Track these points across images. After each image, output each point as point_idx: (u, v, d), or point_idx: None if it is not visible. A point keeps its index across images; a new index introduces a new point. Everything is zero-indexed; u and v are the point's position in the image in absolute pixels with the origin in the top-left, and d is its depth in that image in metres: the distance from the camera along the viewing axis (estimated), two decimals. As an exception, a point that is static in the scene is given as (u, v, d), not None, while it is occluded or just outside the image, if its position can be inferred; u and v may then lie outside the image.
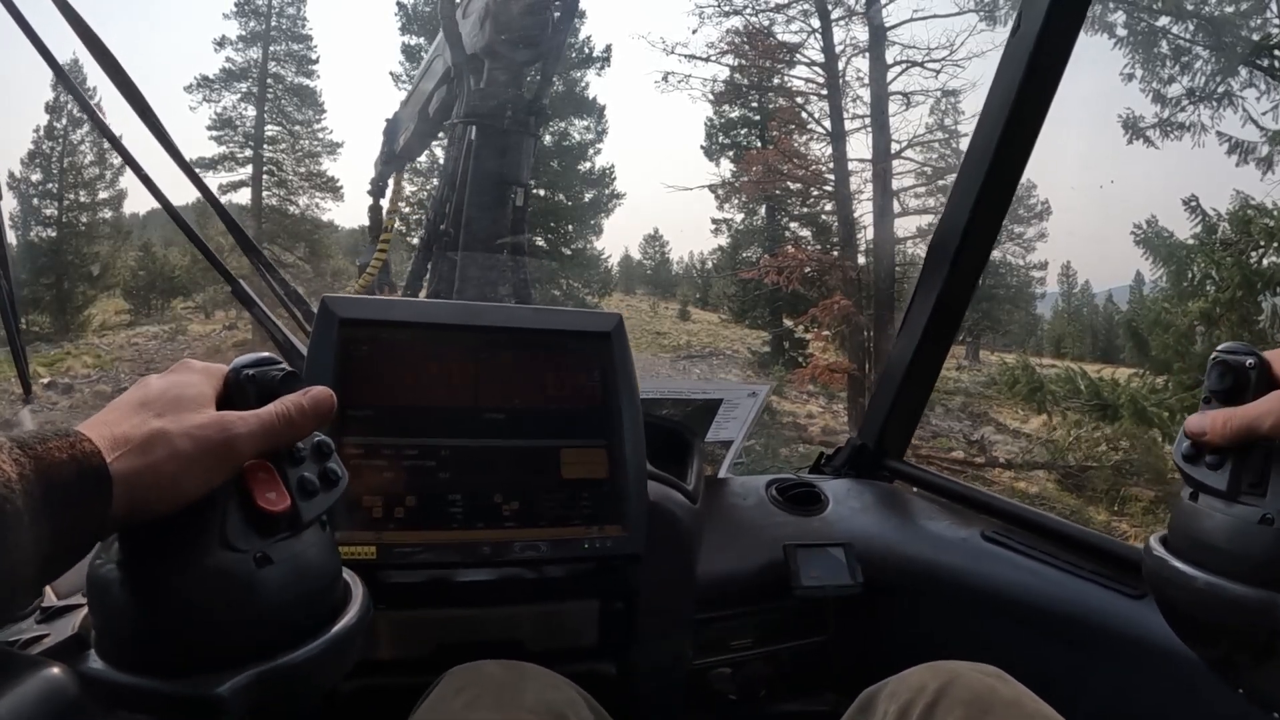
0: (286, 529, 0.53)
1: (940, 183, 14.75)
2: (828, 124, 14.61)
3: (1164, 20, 9.36)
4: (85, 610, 0.57)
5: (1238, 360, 0.62)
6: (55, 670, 0.45)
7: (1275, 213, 6.51)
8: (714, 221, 19.95)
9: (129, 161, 1.14)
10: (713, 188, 18.09)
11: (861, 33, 14.34)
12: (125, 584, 0.50)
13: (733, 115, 18.20)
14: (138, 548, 0.50)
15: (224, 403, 0.55)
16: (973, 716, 0.74)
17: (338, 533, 0.81)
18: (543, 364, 0.97)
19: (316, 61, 21.02)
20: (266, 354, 0.59)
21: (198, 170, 1.22)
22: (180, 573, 0.50)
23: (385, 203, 8.22)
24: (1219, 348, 0.64)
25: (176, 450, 0.49)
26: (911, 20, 14.24)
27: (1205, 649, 0.66)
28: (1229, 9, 8.78)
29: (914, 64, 14.07)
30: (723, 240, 20.88)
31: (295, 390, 0.57)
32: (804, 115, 15.08)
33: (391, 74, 20.89)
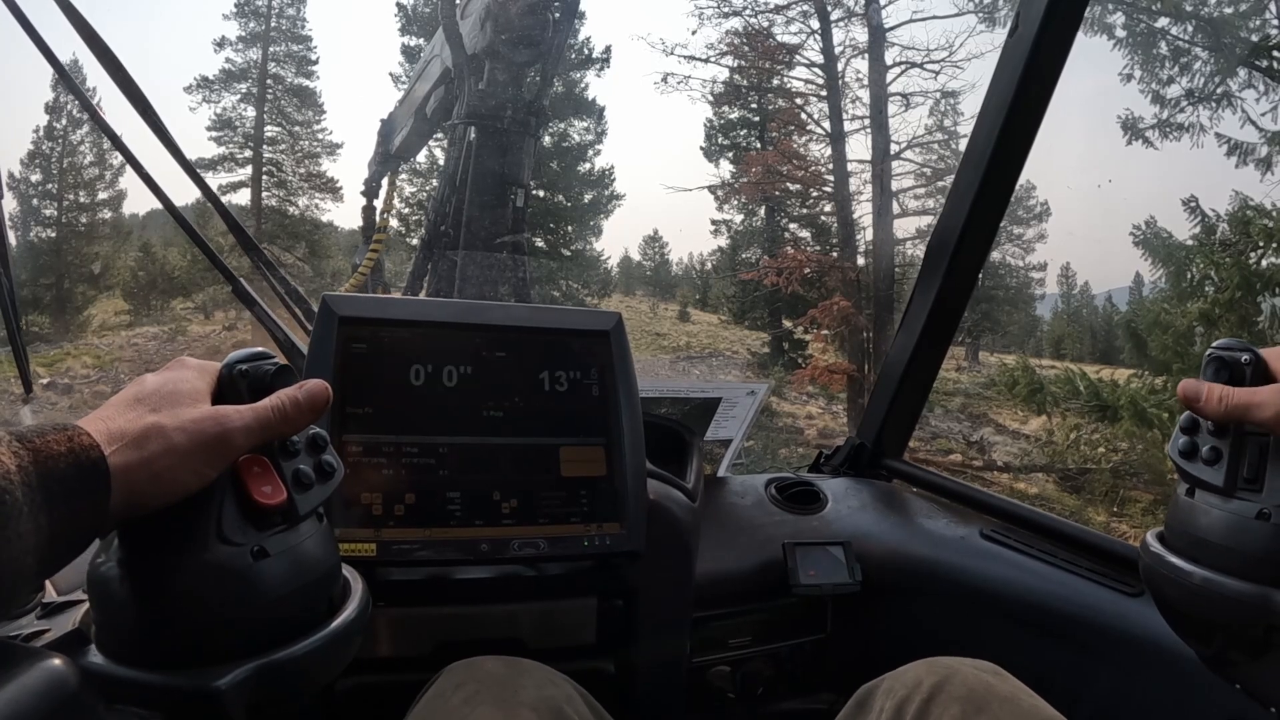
0: (282, 522, 0.54)
1: (939, 184, 14.76)
2: (827, 125, 14.64)
3: (1163, 21, 9.37)
4: (86, 605, 0.57)
5: (1233, 356, 0.63)
6: (56, 662, 0.45)
7: (1274, 213, 6.51)
8: (713, 223, 20.03)
9: (130, 160, 1.14)
10: (712, 189, 18.13)
11: (861, 34, 14.38)
12: (124, 579, 0.51)
13: (732, 116, 18.22)
14: (136, 543, 0.51)
15: (218, 398, 0.56)
16: (969, 713, 0.74)
17: (337, 529, 0.82)
18: (542, 362, 0.97)
19: (316, 62, 21.06)
20: (260, 349, 0.59)
21: (198, 171, 1.22)
22: (178, 567, 0.50)
23: (379, 202, 8.23)
24: (1215, 344, 0.65)
25: (172, 444, 0.49)
26: (910, 22, 14.25)
27: (1202, 645, 0.66)
28: (1228, 10, 8.79)
29: (913, 65, 14.10)
30: (722, 241, 20.96)
31: (289, 384, 0.57)
32: (803, 116, 15.09)
33: (391, 75, 20.98)
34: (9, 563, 0.41)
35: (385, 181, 8.40)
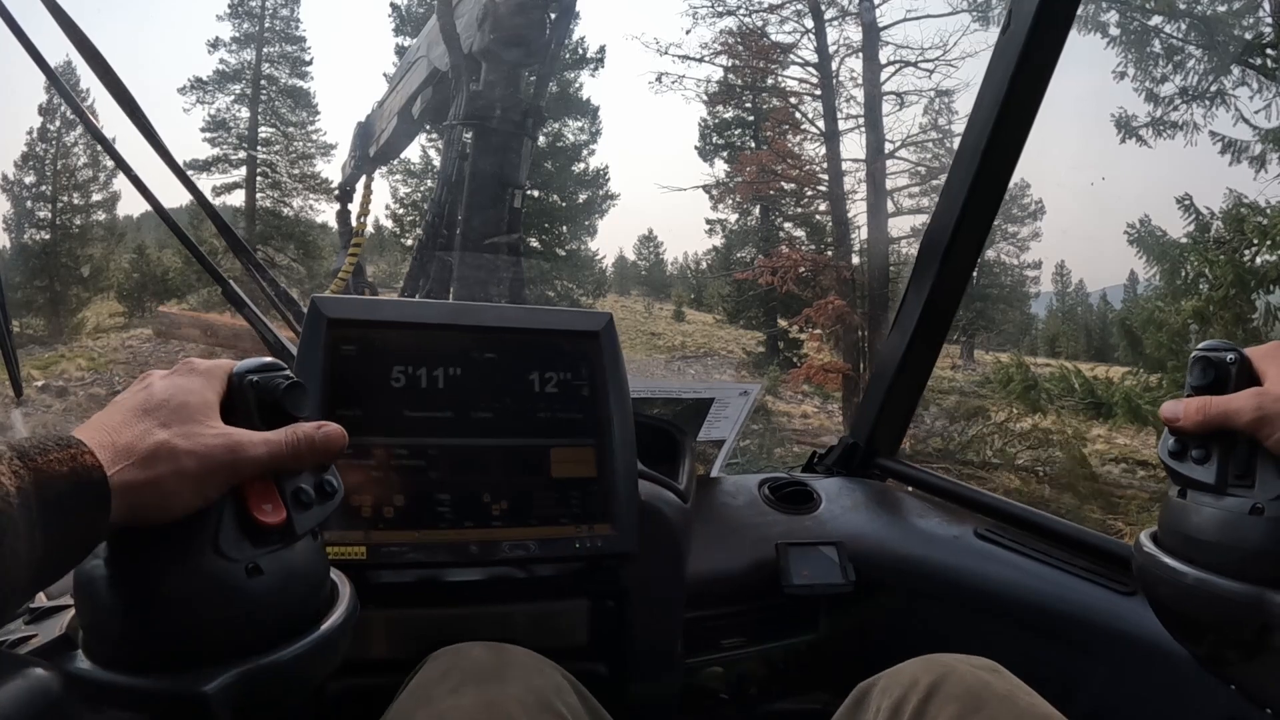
0: (279, 541, 0.54)
1: (934, 182, 14.76)
2: (821, 124, 14.62)
3: (1156, 19, 9.37)
4: (73, 611, 0.57)
5: (1219, 356, 0.63)
6: (39, 670, 0.45)
7: (1269, 211, 6.52)
8: (708, 222, 20.02)
9: (120, 163, 1.13)
10: (707, 188, 18.14)
11: (855, 33, 14.36)
12: (113, 584, 0.50)
13: (727, 116, 18.21)
14: (128, 549, 0.51)
15: (226, 407, 0.55)
16: (965, 712, 0.74)
17: (327, 532, 0.81)
18: (532, 363, 0.97)
19: (310, 63, 21.02)
20: (270, 359, 0.59)
21: (191, 172, 1.22)
22: (168, 572, 0.50)
23: (354, 206, 8.14)
24: (1200, 345, 0.65)
25: (181, 467, 0.49)
26: (905, 20, 14.28)
27: (1195, 645, 0.66)
28: (1221, 8, 8.80)
29: (907, 64, 14.10)
30: (717, 241, 20.99)
31: (299, 402, 0.57)
32: (798, 116, 15.09)
33: (385, 75, 20.86)
34: (3, 576, 0.41)
35: (362, 184, 8.34)
